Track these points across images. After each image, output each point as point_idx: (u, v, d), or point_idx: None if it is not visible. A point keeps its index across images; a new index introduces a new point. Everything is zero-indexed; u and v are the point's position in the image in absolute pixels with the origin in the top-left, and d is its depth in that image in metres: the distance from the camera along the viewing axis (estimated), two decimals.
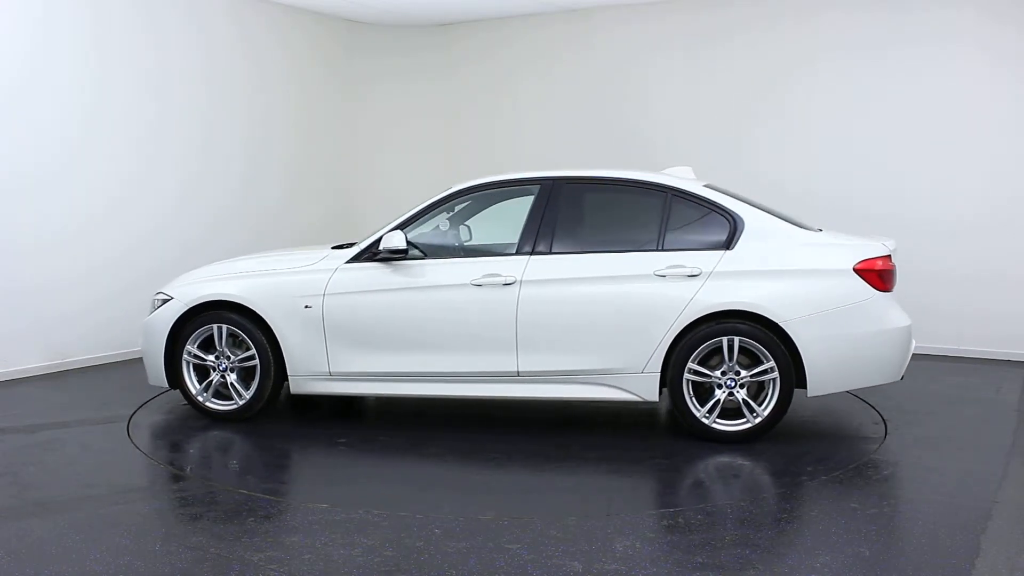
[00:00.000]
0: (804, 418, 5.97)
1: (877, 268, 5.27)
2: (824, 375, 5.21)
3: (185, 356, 5.79)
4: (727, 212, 5.43)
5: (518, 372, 5.42)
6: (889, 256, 5.36)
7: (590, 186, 5.72)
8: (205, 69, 8.40)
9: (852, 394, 6.51)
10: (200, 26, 8.34)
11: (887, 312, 5.28)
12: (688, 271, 5.28)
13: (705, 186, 5.66)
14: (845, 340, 5.20)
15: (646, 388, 5.32)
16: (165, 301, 5.87)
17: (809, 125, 8.46)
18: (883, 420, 5.80)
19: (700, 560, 3.63)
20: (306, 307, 5.64)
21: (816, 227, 5.74)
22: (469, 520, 4.07)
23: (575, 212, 5.65)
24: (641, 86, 9.18)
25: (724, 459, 5.07)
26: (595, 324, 5.34)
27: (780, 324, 5.16)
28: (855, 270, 5.24)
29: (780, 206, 8.73)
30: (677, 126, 9.01)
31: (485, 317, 5.41)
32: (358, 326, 5.58)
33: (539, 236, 5.51)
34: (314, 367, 5.67)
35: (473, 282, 5.44)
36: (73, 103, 7.32)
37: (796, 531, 3.94)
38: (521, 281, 5.40)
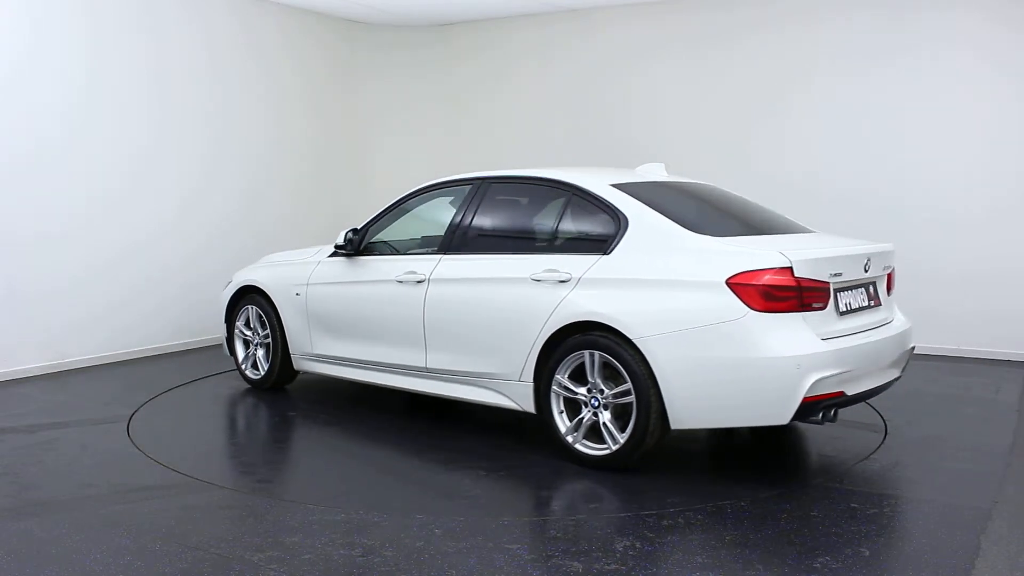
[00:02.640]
0: None
1: (755, 283, 4.36)
2: (684, 405, 4.48)
3: (236, 331, 6.84)
4: (616, 213, 4.92)
5: (426, 368, 5.55)
6: (788, 269, 4.38)
7: (507, 186, 5.61)
8: (205, 68, 8.41)
9: None
10: (201, 25, 8.34)
11: (762, 337, 4.33)
12: (560, 276, 4.90)
13: (612, 184, 5.12)
14: (707, 366, 4.42)
15: (523, 397, 5.06)
16: (229, 283, 6.93)
17: (810, 126, 8.45)
18: (883, 420, 5.80)
19: (700, 560, 3.63)
20: (296, 294, 6.37)
21: (810, 229, 5.46)
22: (469, 520, 4.07)
23: (489, 212, 5.60)
24: (640, 86, 9.18)
25: (721, 460, 5.07)
26: (479, 327, 5.24)
27: (635, 341, 4.55)
28: (728, 284, 4.40)
29: (780, 207, 8.78)
30: (677, 126, 9.01)
31: (401, 312, 5.64)
32: (327, 313, 6.19)
33: (455, 236, 5.56)
34: (304, 347, 6.39)
35: (396, 279, 5.67)
36: (72, 103, 7.32)
37: (796, 531, 3.94)
38: (429, 280, 5.49)
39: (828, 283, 4.55)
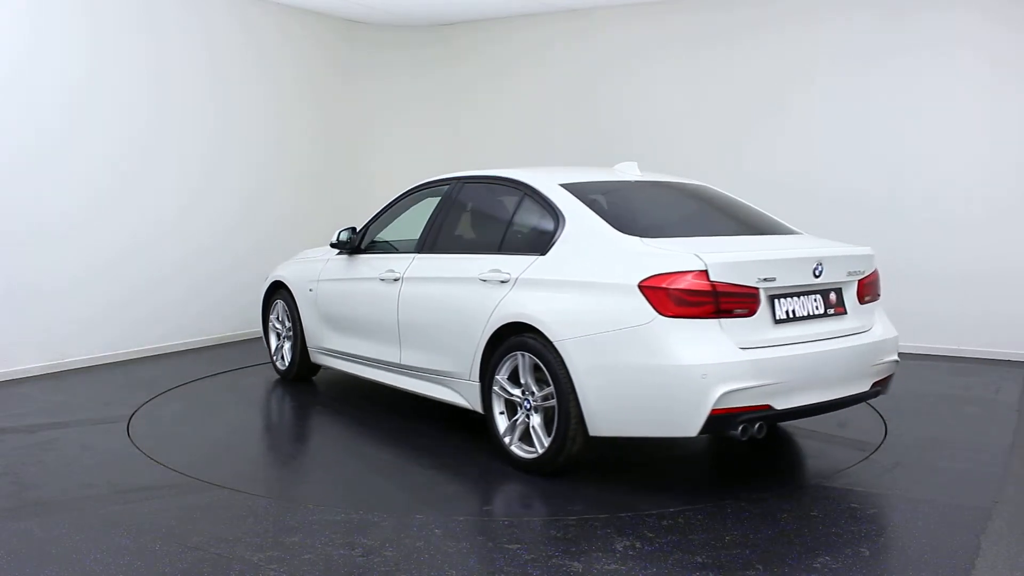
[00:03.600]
0: (804, 418, 5.97)
1: (665, 286, 4.17)
2: (598, 411, 4.37)
3: (270, 324, 7.13)
4: (556, 212, 4.86)
5: (400, 364, 5.67)
6: (703, 272, 4.18)
7: (474, 186, 5.63)
8: (206, 68, 8.41)
9: None
10: (201, 24, 8.34)
11: (669, 344, 4.14)
12: (501, 276, 4.89)
13: (561, 184, 5.05)
14: (617, 372, 4.29)
15: (473, 397, 5.05)
16: (268, 278, 7.17)
17: (810, 127, 8.45)
18: (883, 420, 5.80)
19: (700, 560, 3.63)
20: (309, 290, 6.59)
21: (795, 230, 5.20)
22: (469, 520, 4.07)
23: (456, 212, 5.66)
24: (640, 86, 9.18)
25: (721, 459, 5.07)
26: (438, 325, 5.31)
27: (555, 344, 4.46)
28: (639, 287, 4.23)
29: (778, 207, 8.78)
30: (676, 125, 9.01)
31: (381, 307, 5.76)
32: (330, 310, 6.38)
33: (428, 235, 5.63)
34: (317, 341, 6.58)
35: (379, 277, 5.81)
36: (71, 103, 7.32)
37: (796, 531, 3.94)
38: (403, 278, 5.60)
39: (756, 288, 4.29)
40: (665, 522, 4.05)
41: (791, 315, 4.47)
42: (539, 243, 4.87)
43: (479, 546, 3.76)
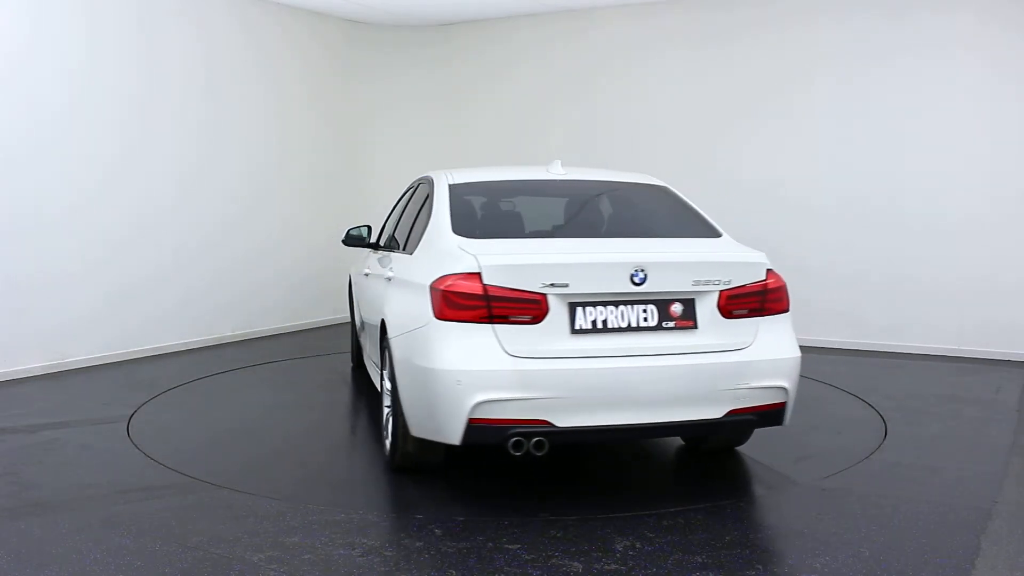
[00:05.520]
0: (803, 418, 5.97)
1: (441, 288, 4.06)
2: (406, 411, 4.32)
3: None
4: (431, 212, 4.83)
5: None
6: (476, 275, 4.02)
7: (422, 185, 5.62)
8: (206, 67, 8.41)
9: (852, 394, 6.52)
10: (201, 24, 8.35)
11: (437, 347, 4.03)
12: (387, 274, 5.02)
13: (451, 184, 4.98)
14: (408, 374, 4.26)
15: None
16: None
17: (809, 128, 8.46)
18: (883, 420, 5.80)
19: (700, 560, 3.63)
20: (357, 283, 6.77)
21: (718, 232, 4.74)
22: (469, 520, 4.07)
23: (405, 211, 5.73)
24: (639, 85, 9.18)
25: (721, 459, 5.07)
26: (372, 324, 5.48)
27: (388, 340, 4.49)
28: (428, 288, 4.15)
29: (779, 208, 8.78)
30: (676, 125, 9.01)
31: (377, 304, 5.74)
32: (359, 303, 6.52)
33: (410, 234, 5.51)
34: (359, 339, 6.83)
35: (384, 275, 5.45)
36: (70, 103, 7.32)
37: (796, 531, 3.94)
38: (391, 278, 5.48)
39: (540, 294, 4.02)
40: (665, 522, 4.04)
41: (600, 326, 4.09)
42: (415, 242, 4.88)
43: (479, 546, 3.76)
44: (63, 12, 7.20)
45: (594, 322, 4.08)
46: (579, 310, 4.07)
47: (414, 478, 4.77)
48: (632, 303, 4.13)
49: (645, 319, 4.14)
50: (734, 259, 4.34)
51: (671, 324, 4.16)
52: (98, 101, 7.50)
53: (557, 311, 4.04)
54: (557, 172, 5.19)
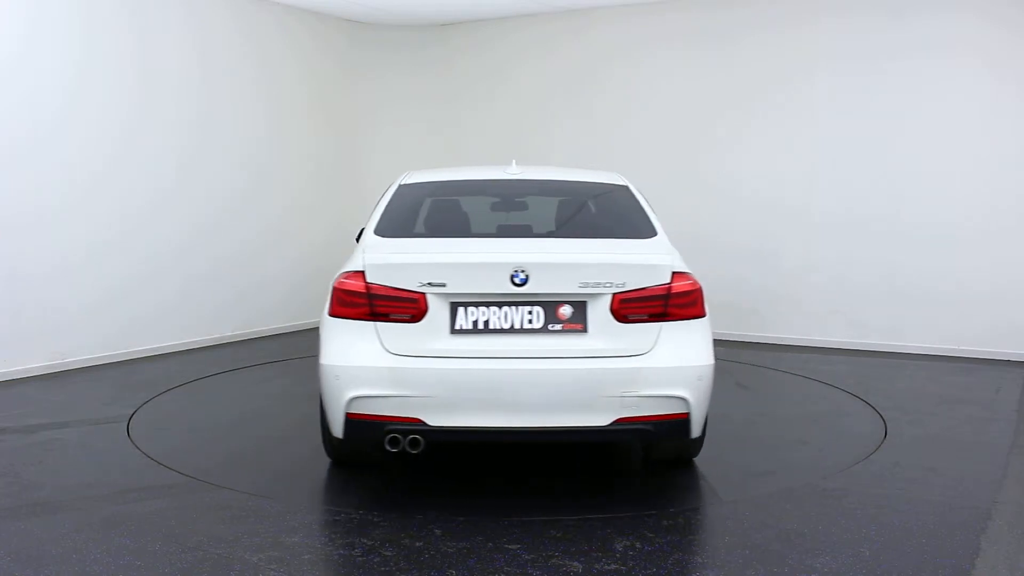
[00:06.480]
0: (804, 418, 5.98)
1: (335, 287, 4.21)
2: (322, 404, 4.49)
3: None
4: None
5: None
6: (360, 273, 4.12)
7: None
8: (205, 67, 8.40)
9: (852, 394, 6.52)
10: (200, 24, 8.34)
11: (326, 342, 4.21)
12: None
13: (403, 183, 5.02)
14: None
15: None
16: None
17: (809, 128, 8.46)
18: (883, 420, 5.80)
19: (700, 560, 3.63)
20: None
21: (652, 232, 4.55)
22: (469, 520, 4.07)
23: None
24: (639, 85, 9.18)
25: (721, 459, 5.07)
26: None
27: None
28: (332, 286, 4.29)
29: (779, 208, 8.78)
30: (675, 124, 9.01)
31: None
32: None
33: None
34: None
35: None
36: (68, 101, 7.32)
37: (796, 531, 3.94)
38: None
39: (419, 293, 4.05)
40: (665, 522, 4.05)
41: (481, 326, 4.07)
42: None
43: (479, 546, 3.76)
44: (61, 11, 7.19)
45: (475, 322, 4.08)
46: (460, 310, 4.09)
47: (415, 478, 4.77)
48: (517, 304, 4.09)
49: (530, 321, 4.10)
50: (629, 261, 4.17)
51: (558, 327, 4.10)
52: (97, 100, 7.50)
53: (437, 310, 4.07)
54: (511, 172, 5.12)
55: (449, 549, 3.73)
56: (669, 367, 4.07)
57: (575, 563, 3.59)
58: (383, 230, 4.54)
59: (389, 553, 3.70)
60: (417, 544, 3.78)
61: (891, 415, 5.89)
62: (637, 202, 4.86)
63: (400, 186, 4.99)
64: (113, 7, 7.58)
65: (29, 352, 7.09)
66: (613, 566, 3.56)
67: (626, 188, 5.04)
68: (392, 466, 5.03)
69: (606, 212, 4.92)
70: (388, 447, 4.07)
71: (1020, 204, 7.67)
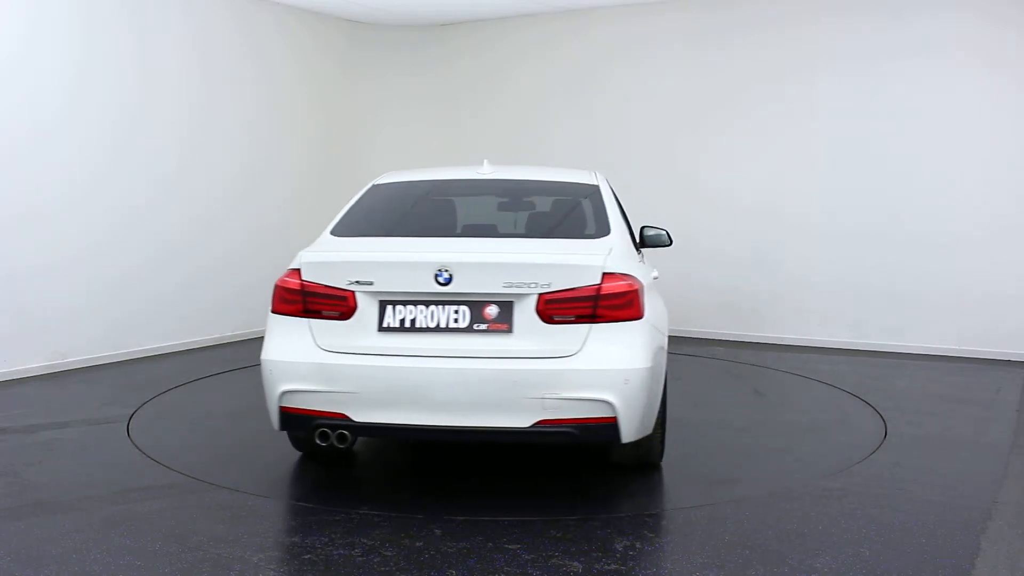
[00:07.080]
0: (804, 418, 5.98)
1: (277, 284, 4.37)
2: None
3: None
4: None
5: None
6: (296, 271, 4.27)
7: None
8: (204, 67, 8.40)
9: (852, 394, 6.52)
10: (200, 23, 8.34)
11: (267, 338, 4.36)
12: None
13: (375, 184, 5.20)
14: None
15: None
16: None
17: (808, 129, 8.46)
18: (883, 420, 5.80)
19: (700, 560, 3.63)
20: None
21: (605, 232, 4.52)
22: (469, 520, 4.07)
23: None
24: (639, 84, 9.18)
25: (721, 459, 5.07)
26: None
27: None
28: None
29: (778, 207, 8.78)
30: (675, 124, 9.01)
31: None
32: None
33: None
34: None
35: None
36: (66, 101, 7.32)
37: (796, 531, 3.94)
38: None
39: (347, 291, 4.11)
40: (665, 522, 4.05)
41: (408, 324, 4.10)
42: None
43: (479, 546, 3.76)
44: (61, 11, 7.19)
45: (402, 321, 4.12)
46: (388, 308, 4.13)
47: (415, 479, 4.78)
48: (444, 303, 4.11)
49: (456, 320, 4.10)
50: (556, 261, 4.10)
51: (484, 327, 4.08)
52: (96, 99, 7.50)
53: (366, 308, 4.13)
54: (483, 172, 5.16)
55: (449, 549, 3.73)
56: (593, 369, 3.98)
57: (575, 563, 3.59)
58: (340, 230, 4.71)
59: (389, 553, 3.70)
60: (417, 544, 3.78)
61: (891, 415, 5.89)
62: (602, 202, 4.81)
63: (373, 186, 5.11)
64: (113, 7, 7.59)
65: (29, 352, 7.08)
66: (613, 566, 3.56)
67: (596, 188, 4.99)
68: (392, 466, 5.03)
69: (567, 212, 4.89)
70: (318, 441, 4.17)
71: (1020, 204, 7.67)
